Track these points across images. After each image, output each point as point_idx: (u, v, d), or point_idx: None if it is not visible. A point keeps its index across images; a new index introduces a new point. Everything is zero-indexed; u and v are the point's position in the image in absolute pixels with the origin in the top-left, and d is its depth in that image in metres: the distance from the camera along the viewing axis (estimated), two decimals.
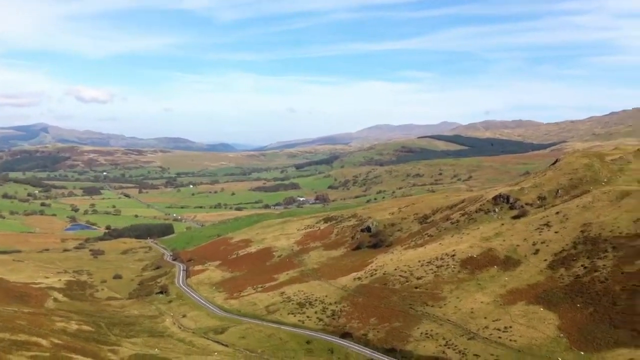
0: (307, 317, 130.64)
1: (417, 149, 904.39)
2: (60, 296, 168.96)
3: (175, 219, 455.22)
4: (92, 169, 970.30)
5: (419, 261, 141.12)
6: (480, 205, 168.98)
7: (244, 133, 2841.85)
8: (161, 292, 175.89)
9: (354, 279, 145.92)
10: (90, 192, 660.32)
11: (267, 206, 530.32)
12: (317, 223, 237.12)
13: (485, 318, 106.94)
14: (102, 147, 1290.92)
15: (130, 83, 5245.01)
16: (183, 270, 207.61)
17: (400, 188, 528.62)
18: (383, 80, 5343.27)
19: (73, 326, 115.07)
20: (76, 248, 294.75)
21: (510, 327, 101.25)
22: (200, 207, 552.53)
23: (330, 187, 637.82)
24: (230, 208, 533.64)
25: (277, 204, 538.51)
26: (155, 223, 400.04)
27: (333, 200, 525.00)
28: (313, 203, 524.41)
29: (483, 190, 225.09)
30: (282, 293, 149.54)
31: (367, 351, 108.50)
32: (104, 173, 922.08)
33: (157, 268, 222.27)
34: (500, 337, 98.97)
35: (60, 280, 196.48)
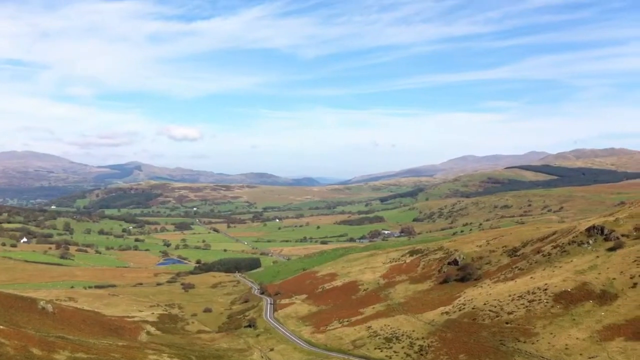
0: (394, 352, 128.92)
1: (504, 179, 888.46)
2: (152, 329, 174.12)
3: (263, 253, 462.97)
4: (183, 205, 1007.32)
5: (510, 295, 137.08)
6: (573, 237, 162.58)
7: (328, 167, 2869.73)
8: (249, 326, 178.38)
9: (442, 313, 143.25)
10: (181, 227, 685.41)
11: (352, 239, 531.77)
12: (402, 256, 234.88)
13: (580, 355, 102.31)
14: (192, 184, 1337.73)
15: (219, 121, 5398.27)
16: (270, 303, 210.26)
17: (487, 220, 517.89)
18: (465, 111, 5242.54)
19: (165, 359, 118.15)
20: (168, 282, 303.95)
21: None
22: (287, 241, 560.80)
23: (415, 219, 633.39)
24: (316, 242, 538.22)
25: (362, 237, 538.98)
26: (243, 257, 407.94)
27: (419, 233, 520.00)
28: (398, 236, 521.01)
29: (576, 221, 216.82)
30: (369, 327, 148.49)
31: None
32: (194, 209, 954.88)
33: (245, 302, 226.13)
34: None
35: (153, 313, 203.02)
